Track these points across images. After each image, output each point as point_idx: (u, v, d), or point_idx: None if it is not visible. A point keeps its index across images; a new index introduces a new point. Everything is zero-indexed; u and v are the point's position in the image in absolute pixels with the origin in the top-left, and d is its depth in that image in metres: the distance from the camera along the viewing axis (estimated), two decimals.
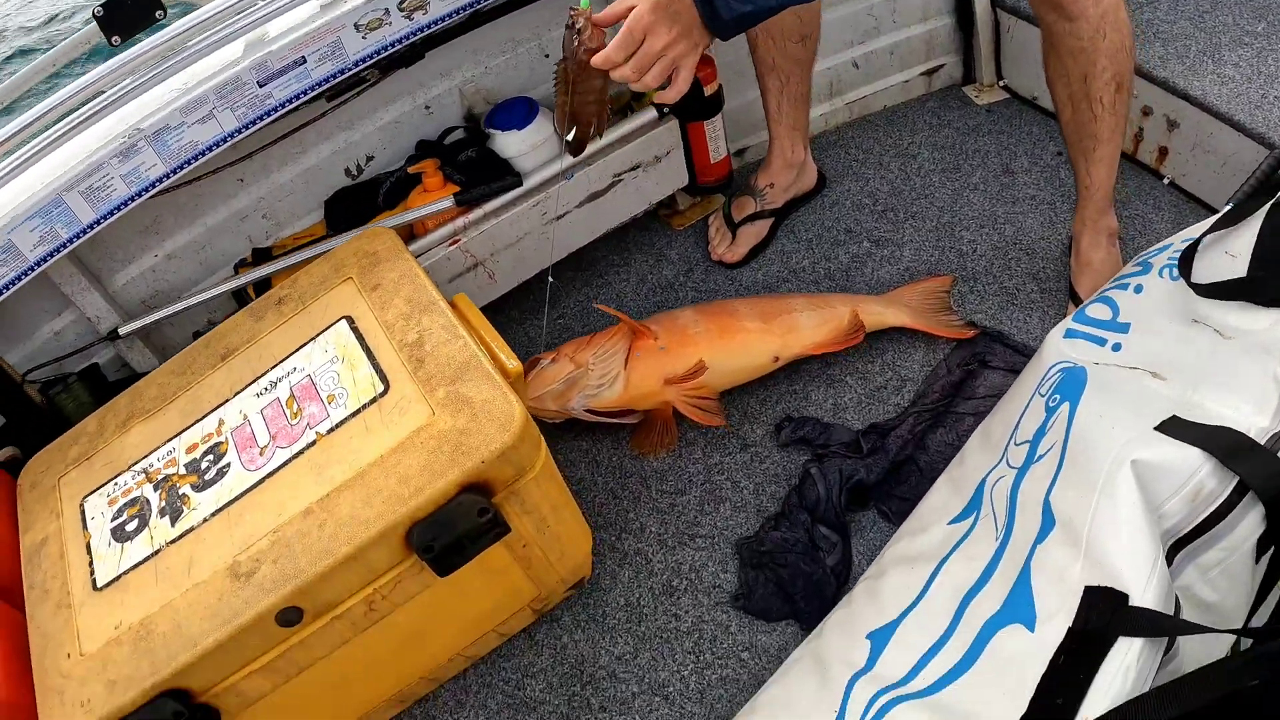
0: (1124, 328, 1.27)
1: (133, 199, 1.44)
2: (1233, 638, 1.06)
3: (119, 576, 1.22)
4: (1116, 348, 1.25)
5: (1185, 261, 1.22)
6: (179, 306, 1.60)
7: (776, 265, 1.85)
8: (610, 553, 1.55)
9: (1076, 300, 1.63)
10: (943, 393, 1.60)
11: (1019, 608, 1.09)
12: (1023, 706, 0.99)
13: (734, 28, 1.09)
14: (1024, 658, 1.03)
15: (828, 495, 1.50)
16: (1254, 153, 1.65)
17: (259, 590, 1.14)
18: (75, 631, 1.19)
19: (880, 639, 1.23)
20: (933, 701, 1.09)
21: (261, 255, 1.68)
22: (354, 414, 1.26)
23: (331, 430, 1.26)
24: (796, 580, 1.45)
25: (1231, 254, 1.17)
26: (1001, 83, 2.14)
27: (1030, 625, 1.06)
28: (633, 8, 1.08)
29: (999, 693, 1.04)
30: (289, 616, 1.16)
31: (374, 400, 1.26)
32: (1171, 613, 1.00)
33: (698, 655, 1.44)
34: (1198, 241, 1.23)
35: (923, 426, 1.57)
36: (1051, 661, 1.01)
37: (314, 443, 1.26)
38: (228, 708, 1.20)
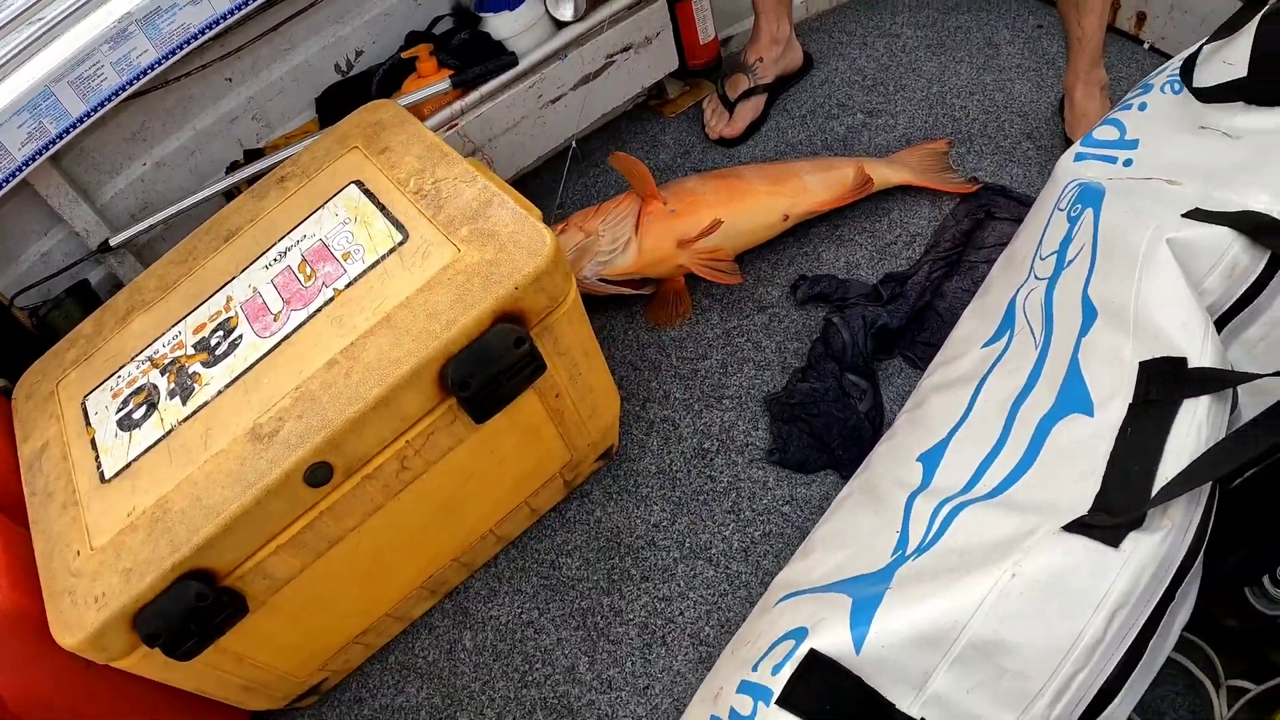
0: (1133, 144, 1.24)
1: (124, 87, 1.34)
2: None
3: (129, 465, 1.11)
4: (1128, 163, 1.22)
5: (1186, 72, 1.20)
6: (170, 211, 1.50)
7: (773, 141, 1.79)
8: (636, 423, 1.48)
9: None
10: (954, 241, 1.55)
11: (1073, 399, 1.04)
12: (1096, 484, 0.93)
13: None
14: (1089, 441, 0.98)
15: (853, 341, 1.44)
16: (1231, 6, 1.62)
17: (284, 448, 1.04)
18: (84, 528, 1.07)
19: (932, 459, 1.17)
20: (1001, 500, 1.03)
21: (254, 156, 1.58)
22: (372, 266, 1.17)
23: (350, 284, 1.17)
24: (831, 428, 1.39)
25: (1229, 62, 1.15)
26: None
27: (1089, 412, 1.01)
28: None
29: (1069, 479, 0.98)
30: (318, 474, 1.05)
31: (393, 250, 1.17)
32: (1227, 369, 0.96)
33: (737, 514, 1.37)
34: (1196, 53, 1.21)
35: (939, 274, 1.51)
36: (1118, 438, 0.96)
37: (331, 299, 1.16)
38: (254, 592, 1.10)
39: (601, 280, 1.48)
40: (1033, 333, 1.20)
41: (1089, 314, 1.09)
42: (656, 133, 1.87)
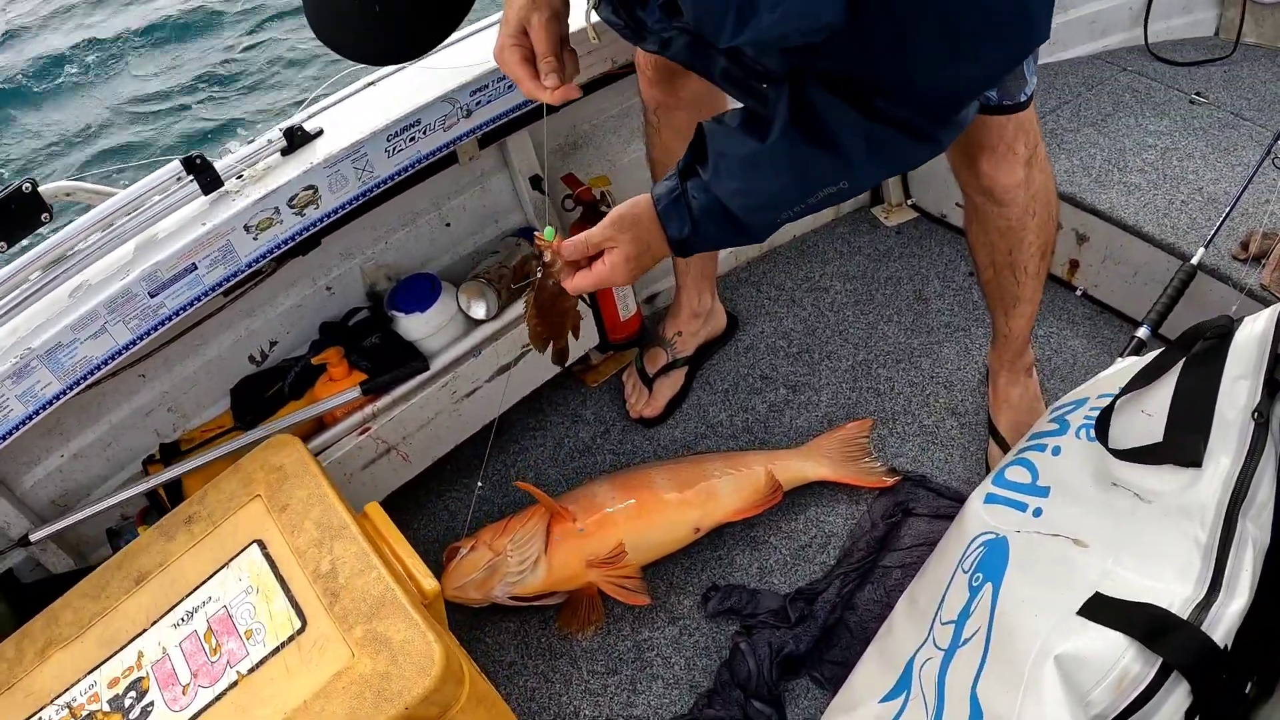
0: (1044, 491, 1.30)
1: (30, 418, 1.43)
2: None
3: None
4: (1038, 513, 1.28)
5: (1102, 425, 1.24)
6: (87, 513, 1.59)
7: (694, 420, 1.88)
8: None
9: (996, 435, 1.68)
10: (868, 549, 1.64)
11: None
12: None
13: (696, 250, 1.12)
14: None
15: (759, 670, 1.52)
16: (1165, 262, 1.69)
17: None
18: None
19: None
20: None
21: (169, 451, 1.67)
22: (273, 652, 1.26)
23: (253, 670, 1.26)
24: None
25: (1148, 413, 1.19)
26: (910, 201, 2.20)
27: None
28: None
29: None
30: None
31: (292, 638, 1.26)
32: None
33: None
34: (1114, 402, 1.25)
35: (850, 586, 1.61)
36: None
37: (235, 683, 1.26)
38: None
39: (513, 598, 1.55)
40: (925, 705, 1.28)
41: (975, 714, 1.16)
42: (577, 406, 1.95)
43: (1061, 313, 1.89)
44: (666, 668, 1.60)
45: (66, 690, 1.33)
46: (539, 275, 1.15)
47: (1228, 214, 1.61)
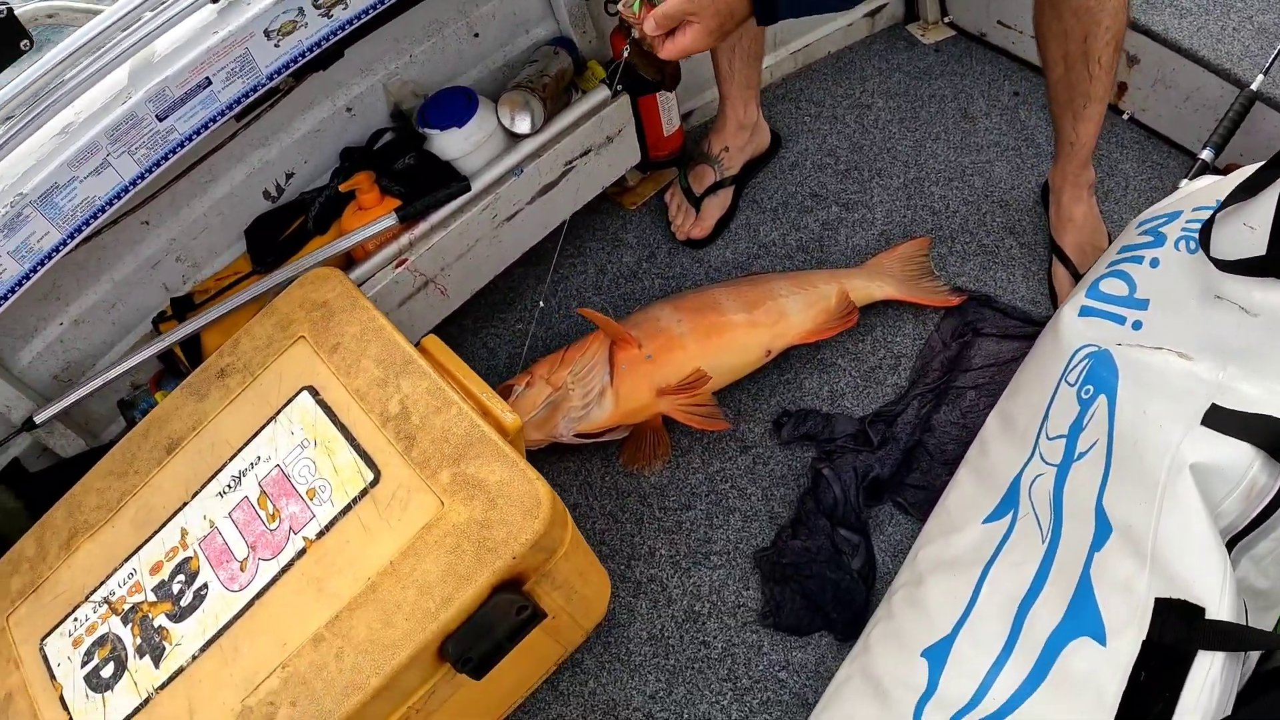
0: (1142, 304, 1.22)
1: (27, 276, 1.20)
2: None
3: None
4: (1137, 325, 1.20)
5: (1204, 235, 1.16)
6: (95, 384, 1.37)
7: (744, 240, 1.72)
8: (622, 583, 1.44)
9: (1060, 255, 1.55)
10: (941, 370, 1.52)
11: (1084, 620, 1.05)
12: None
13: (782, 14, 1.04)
14: (1099, 674, 0.99)
15: (845, 496, 1.41)
16: (1219, 88, 1.59)
17: None
18: None
19: (936, 657, 1.18)
20: None
21: (182, 305, 1.45)
22: (344, 511, 1.10)
23: (322, 534, 1.09)
24: (825, 590, 1.37)
25: (1250, 226, 1.11)
26: (947, 19, 2.01)
27: (1100, 639, 1.02)
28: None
29: (1076, 711, 0.99)
30: None
31: (364, 492, 1.10)
32: (1243, 619, 0.98)
33: (734, 682, 1.36)
34: (1214, 215, 1.17)
35: (927, 408, 1.49)
36: (1131, 678, 0.97)
37: (303, 551, 1.09)
38: None
39: (577, 436, 1.40)
40: (1039, 523, 1.20)
41: (1102, 527, 1.09)
42: (617, 229, 1.76)
43: (1110, 136, 1.74)
44: (743, 499, 1.48)
45: (102, 584, 1.15)
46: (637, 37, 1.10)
47: None
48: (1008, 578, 1.17)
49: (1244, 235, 1.12)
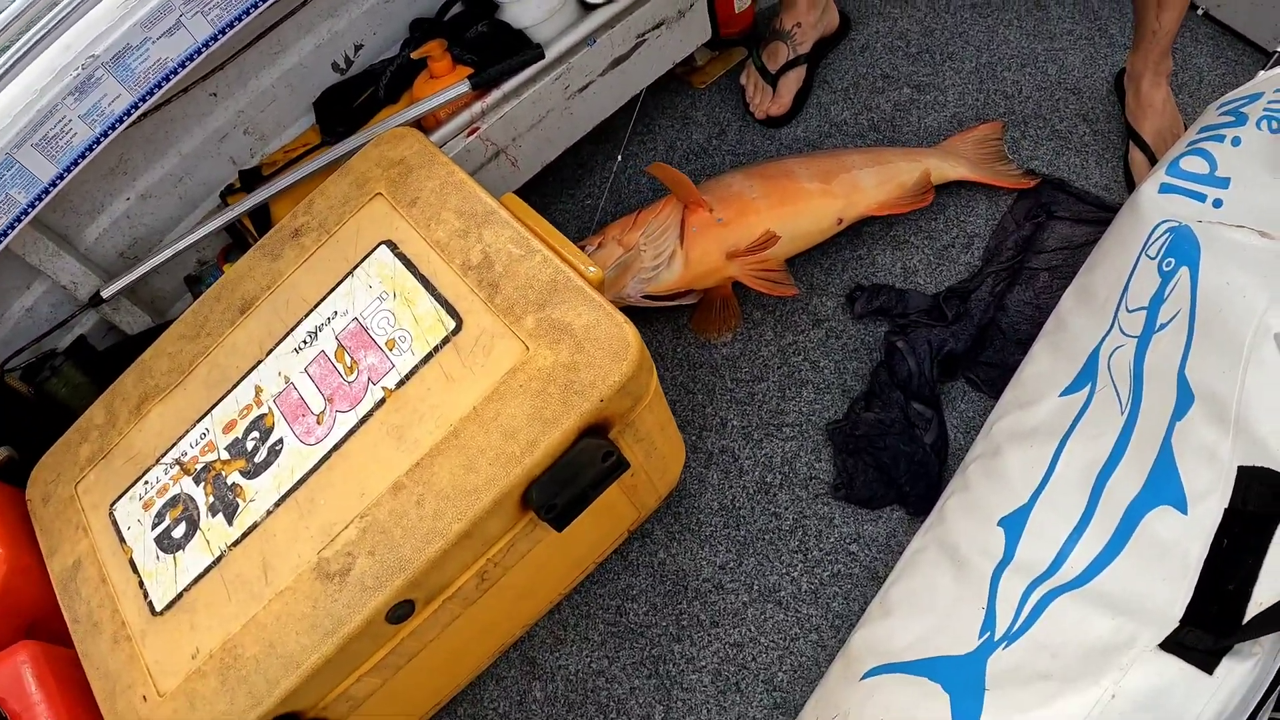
0: (1223, 182, 1.12)
1: (98, 141, 1.09)
2: None
3: (180, 595, 0.97)
4: (1218, 204, 1.10)
5: None
6: (164, 255, 1.27)
7: (816, 120, 1.57)
8: (694, 454, 1.34)
9: (1138, 140, 1.41)
10: (1015, 249, 1.38)
11: (1165, 488, 0.97)
12: (1187, 590, 0.90)
13: None
14: (1181, 541, 0.92)
15: (919, 369, 1.29)
16: None
17: (360, 590, 0.90)
18: (145, 668, 0.94)
19: (1014, 525, 1.09)
20: (1091, 590, 0.97)
21: (250, 177, 1.34)
22: (425, 359, 0.99)
23: (401, 383, 0.98)
24: (898, 463, 1.26)
25: None
26: None
27: (1181, 507, 0.94)
28: None
29: (1159, 578, 0.93)
30: (400, 612, 0.93)
31: (446, 340, 0.99)
32: None
33: (805, 554, 1.26)
34: None
35: (1001, 286, 1.36)
36: (1214, 545, 0.91)
37: (382, 401, 0.98)
38: (338, 715, 0.99)
39: (647, 297, 1.29)
40: (1118, 394, 1.10)
41: (1185, 396, 1.00)
42: (687, 108, 1.63)
43: (1185, 30, 1.57)
44: (815, 372, 1.36)
45: (174, 445, 1.06)
46: None
47: None
48: (1086, 448, 1.07)
49: None
